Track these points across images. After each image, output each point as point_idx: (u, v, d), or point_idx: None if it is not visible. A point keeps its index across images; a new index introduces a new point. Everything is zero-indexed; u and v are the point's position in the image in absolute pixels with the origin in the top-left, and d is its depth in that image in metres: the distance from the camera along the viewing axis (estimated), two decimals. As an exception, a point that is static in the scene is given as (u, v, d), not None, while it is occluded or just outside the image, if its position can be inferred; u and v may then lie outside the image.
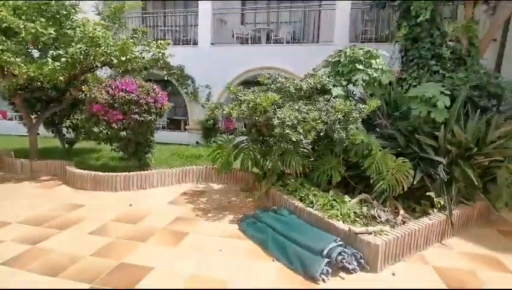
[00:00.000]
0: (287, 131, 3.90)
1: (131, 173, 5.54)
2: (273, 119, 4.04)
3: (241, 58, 10.25)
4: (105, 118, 5.61)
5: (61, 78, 5.61)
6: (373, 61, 4.73)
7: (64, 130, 7.66)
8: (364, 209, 4.16)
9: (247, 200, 5.21)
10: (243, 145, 5.40)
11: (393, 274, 3.16)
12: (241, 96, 4.49)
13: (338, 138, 4.18)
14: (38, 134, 6.98)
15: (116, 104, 5.63)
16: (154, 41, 6.51)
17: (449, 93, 4.62)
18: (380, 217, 4.11)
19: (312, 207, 4.04)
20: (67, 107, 6.92)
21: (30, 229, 3.90)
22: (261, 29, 10.96)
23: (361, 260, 3.19)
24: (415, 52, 6.04)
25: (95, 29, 5.46)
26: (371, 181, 4.45)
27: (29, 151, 6.69)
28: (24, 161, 6.42)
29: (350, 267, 3.11)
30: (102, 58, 5.65)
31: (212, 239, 3.77)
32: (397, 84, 5.79)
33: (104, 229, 3.94)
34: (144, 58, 6.59)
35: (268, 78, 4.80)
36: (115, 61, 5.82)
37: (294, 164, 4.76)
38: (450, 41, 6.36)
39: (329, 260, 3.07)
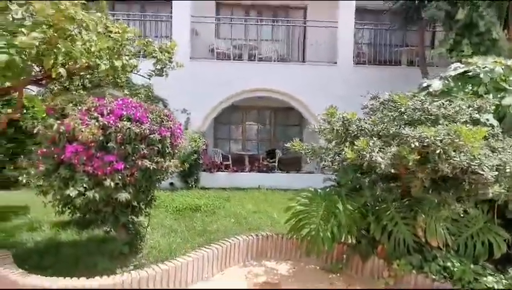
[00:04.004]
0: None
1: (149, 271, 2.96)
2: (476, 168, 2.30)
3: (228, 78, 8.28)
4: (89, 168, 3.02)
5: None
6: (513, 79, 3.49)
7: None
8: None
9: (357, 292, 3.23)
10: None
11: None
12: (401, 131, 2.61)
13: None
14: None
15: (110, 143, 3.12)
16: (154, 42, 4.21)
17: None
18: None
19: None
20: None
21: None
22: (243, 45, 9.24)
23: None
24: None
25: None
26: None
27: None
28: None
29: None
30: (84, 60, 3.07)
31: None
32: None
33: None
34: (136, 66, 4.17)
35: (416, 100, 3.04)
36: (102, 67, 3.28)
37: (442, 231, 3.08)
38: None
39: None
